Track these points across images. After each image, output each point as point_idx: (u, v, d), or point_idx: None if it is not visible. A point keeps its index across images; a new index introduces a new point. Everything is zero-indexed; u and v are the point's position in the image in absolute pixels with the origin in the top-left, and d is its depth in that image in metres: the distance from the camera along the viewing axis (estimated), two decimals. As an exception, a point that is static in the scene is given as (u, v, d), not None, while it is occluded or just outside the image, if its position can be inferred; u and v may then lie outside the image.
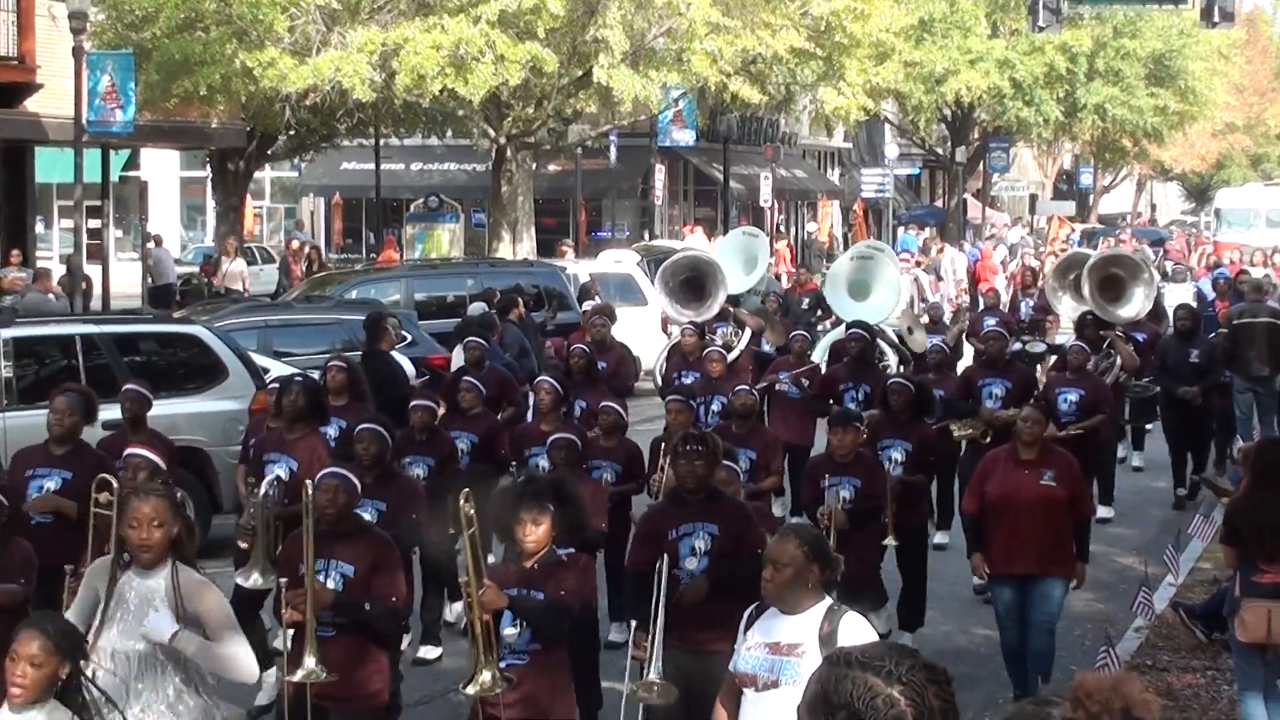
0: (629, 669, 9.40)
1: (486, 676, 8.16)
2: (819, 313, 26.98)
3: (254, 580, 10.71)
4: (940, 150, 64.89)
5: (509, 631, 8.38)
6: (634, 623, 9.25)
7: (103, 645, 7.69)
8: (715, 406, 15.75)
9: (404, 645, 11.60)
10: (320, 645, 8.73)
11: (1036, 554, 11.60)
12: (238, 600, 11.91)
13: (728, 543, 9.39)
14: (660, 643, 8.92)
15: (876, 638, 7.46)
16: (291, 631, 8.79)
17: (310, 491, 8.84)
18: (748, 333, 20.95)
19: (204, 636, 7.78)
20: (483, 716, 8.51)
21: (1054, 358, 19.59)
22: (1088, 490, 12.39)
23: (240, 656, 7.86)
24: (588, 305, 24.38)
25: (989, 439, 15.06)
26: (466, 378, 14.76)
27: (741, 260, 23.80)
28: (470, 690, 8.26)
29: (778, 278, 35.68)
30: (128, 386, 12.86)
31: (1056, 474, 11.70)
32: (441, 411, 14.49)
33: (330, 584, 8.78)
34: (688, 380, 17.17)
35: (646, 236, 49.13)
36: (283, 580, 8.75)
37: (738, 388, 14.58)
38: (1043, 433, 11.87)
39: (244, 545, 11.43)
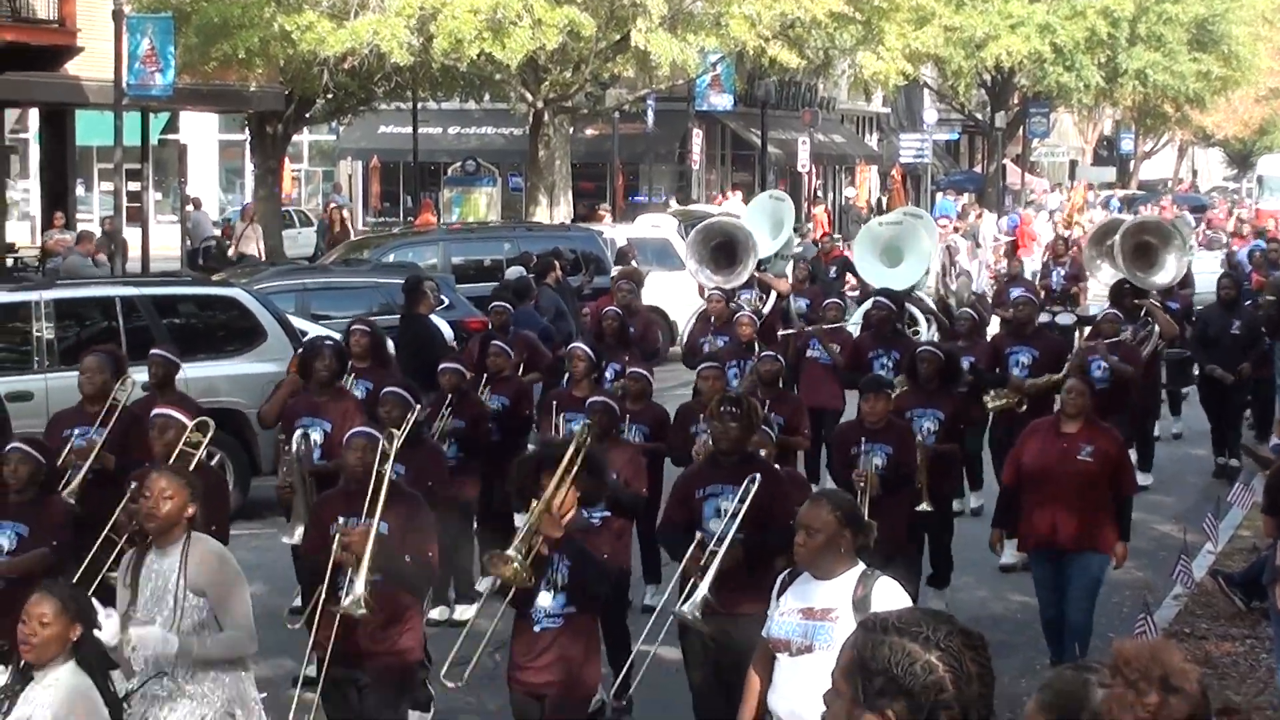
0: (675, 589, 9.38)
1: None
2: (846, 280, 26.88)
3: (298, 536, 10.79)
4: (979, 115, 64.59)
5: (543, 596, 8.40)
6: (699, 534, 9.28)
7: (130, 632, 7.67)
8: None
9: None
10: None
11: (1072, 529, 11.45)
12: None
13: (760, 507, 9.38)
14: (717, 566, 8.96)
15: (910, 603, 7.45)
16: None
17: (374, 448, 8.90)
18: (773, 296, 20.88)
19: (209, 607, 7.79)
20: (514, 678, 8.54)
21: (1087, 328, 19.51)
22: (1130, 467, 12.28)
23: (238, 641, 7.89)
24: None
25: (1024, 407, 15.02)
26: (495, 342, 14.77)
27: (768, 224, 23.75)
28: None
29: (816, 243, 35.55)
30: (154, 351, 12.90)
31: (1096, 449, 11.51)
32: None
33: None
34: (718, 344, 17.21)
35: (676, 202, 48.94)
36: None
37: (764, 354, 14.57)
38: (1086, 405, 11.71)
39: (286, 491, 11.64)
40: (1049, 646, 11.75)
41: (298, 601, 11.76)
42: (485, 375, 14.40)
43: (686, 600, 9.11)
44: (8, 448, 9.74)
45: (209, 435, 10.18)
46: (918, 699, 3.34)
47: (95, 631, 7.02)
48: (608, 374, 14.67)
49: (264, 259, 34.33)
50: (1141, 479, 16.48)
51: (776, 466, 10.24)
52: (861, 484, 11.40)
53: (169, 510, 7.57)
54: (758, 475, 9.30)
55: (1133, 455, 14.81)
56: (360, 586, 8.52)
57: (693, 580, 9.11)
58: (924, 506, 12.52)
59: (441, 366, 13.65)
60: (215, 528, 9.49)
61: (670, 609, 9.61)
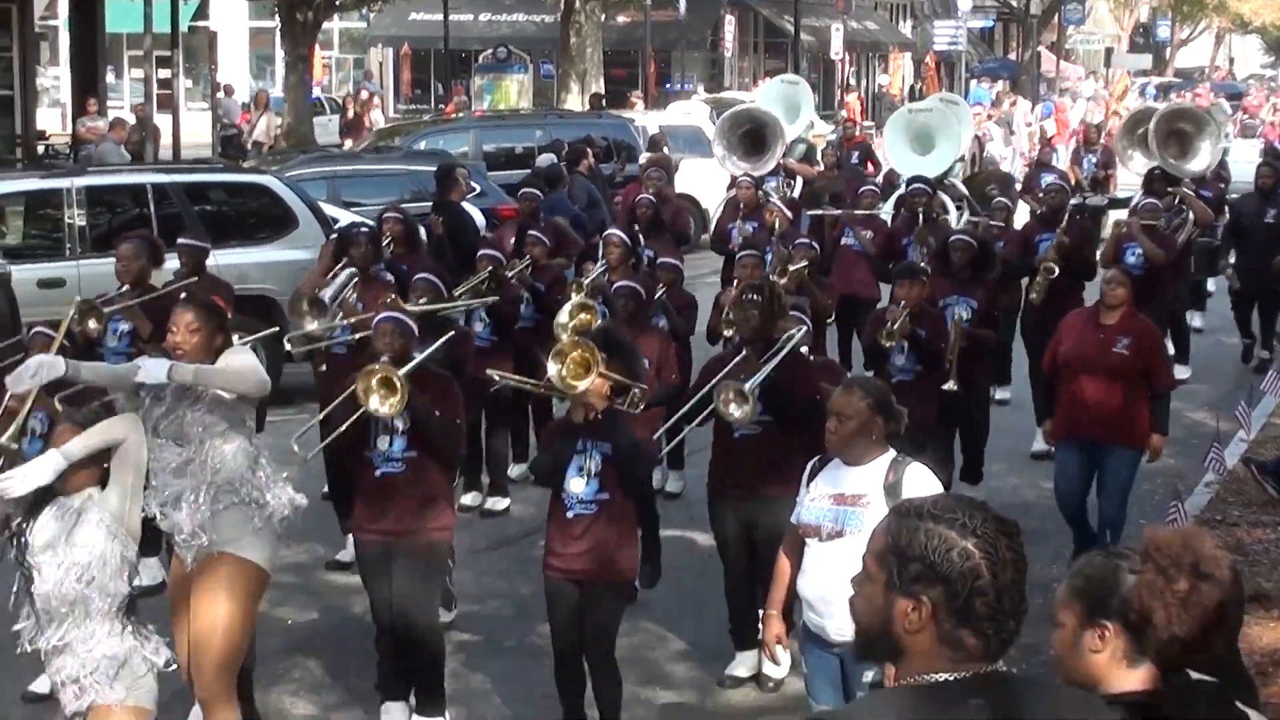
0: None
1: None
2: (869, 166, 26.70)
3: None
4: (1014, 2, 63.97)
5: (576, 482, 8.42)
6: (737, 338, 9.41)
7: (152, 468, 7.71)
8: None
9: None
10: (388, 481, 8.80)
11: (1106, 421, 11.39)
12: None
13: (778, 392, 9.40)
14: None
15: (941, 489, 7.46)
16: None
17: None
18: (799, 182, 20.80)
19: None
20: (550, 564, 8.57)
21: (1117, 213, 19.37)
22: (1166, 362, 12.21)
23: (243, 364, 7.85)
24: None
25: (1055, 273, 14.86)
26: (532, 231, 14.74)
27: (782, 109, 23.60)
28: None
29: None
30: (182, 240, 12.91)
31: (1132, 342, 11.42)
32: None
33: (398, 423, 8.79)
34: (748, 230, 17.17)
35: (708, 90, 48.62)
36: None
37: (797, 240, 14.54)
38: (1126, 296, 11.62)
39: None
40: (1072, 530, 11.73)
41: (342, 555, 11.82)
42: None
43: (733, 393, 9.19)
44: (33, 331, 9.78)
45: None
46: (954, 585, 3.35)
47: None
48: (643, 261, 14.67)
49: (271, 147, 34.14)
50: (1180, 371, 16.39)
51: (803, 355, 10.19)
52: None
53: (197, 342, 7.56)
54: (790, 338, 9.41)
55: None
56: (387, 406, 8.55)
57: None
58: (950, 386, 12.46)
59: (481, 252, 13.64)
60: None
61: (694, 498, 9.66)
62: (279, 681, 9.83)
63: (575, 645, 8.59)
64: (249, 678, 8.75)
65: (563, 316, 12.24)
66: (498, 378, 10.00)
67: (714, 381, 9.43)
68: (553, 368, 8.34)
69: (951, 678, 3.34)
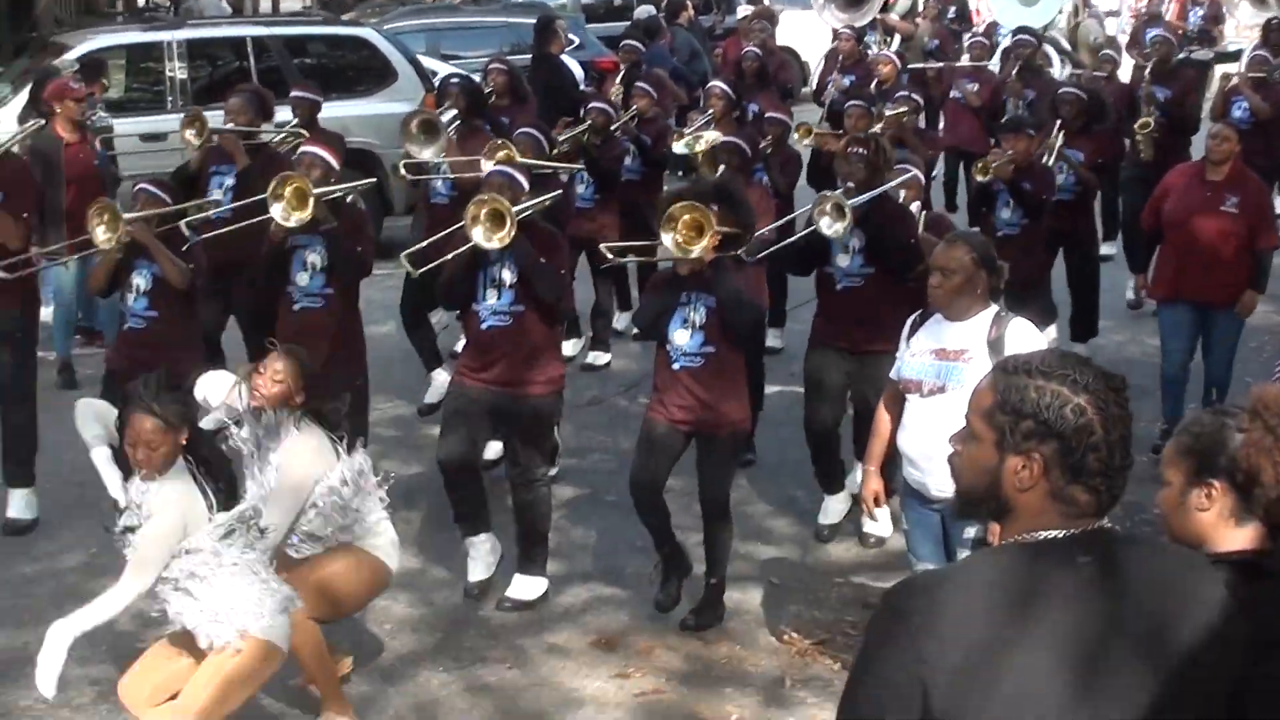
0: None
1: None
2: (962, 21, 26.28)
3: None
4: None
5: (680, 334, 8.40)
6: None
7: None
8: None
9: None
10: (495, 335, 8.78)
11: (1212, 281, 11.14)
12: (408, 301, 12.14)
13: (879, 241, 9.36)
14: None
15: (1045, 344, 7.41)
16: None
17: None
18: (897, 39, 20.56)
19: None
20: (658, 415, 8.57)
21: (1223, 67, 19.01)
22: (1272, 219, 11.97)
23: (295, 480, 7.53)
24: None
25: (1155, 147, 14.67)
26: (639, 84, 14.64)
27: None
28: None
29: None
30: (296, 92, 12.91)
31: (1241, 200, 11.15)
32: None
33: (505, 276, 8.78)
34: (844, 83, 17.02)
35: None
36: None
37: (899, 93, 14.39)
38: (1233, 151, 11.37)
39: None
40: (1163, 404, 11.48)
41: (429, 398, 11.90)
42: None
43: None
44: (136, 188, 9.85)
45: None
46: (1069, 442, 3.32)
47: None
48: (748, 114, 14.59)
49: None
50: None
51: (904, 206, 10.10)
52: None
53: (276, 392, 7.53)
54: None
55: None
56: (494, 241, 8.54)
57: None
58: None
59: (590, 105, 13.59)
60: (362, 254, 9.60)
61: (796, 354, 9.63)
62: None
63: (656, 473, 8.57)
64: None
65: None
66: (610, 255, 9.92)
67: (816, 200, 9.40)
68: (666, 237, 8.26)
69: (1060, 534, 3.32)
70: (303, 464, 7.43)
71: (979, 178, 11.84)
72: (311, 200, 9.11)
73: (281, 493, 7.40)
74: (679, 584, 8.80)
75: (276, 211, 9.13)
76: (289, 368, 7.47)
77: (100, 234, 9.36)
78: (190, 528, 6.55)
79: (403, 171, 12.09)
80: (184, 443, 6.65)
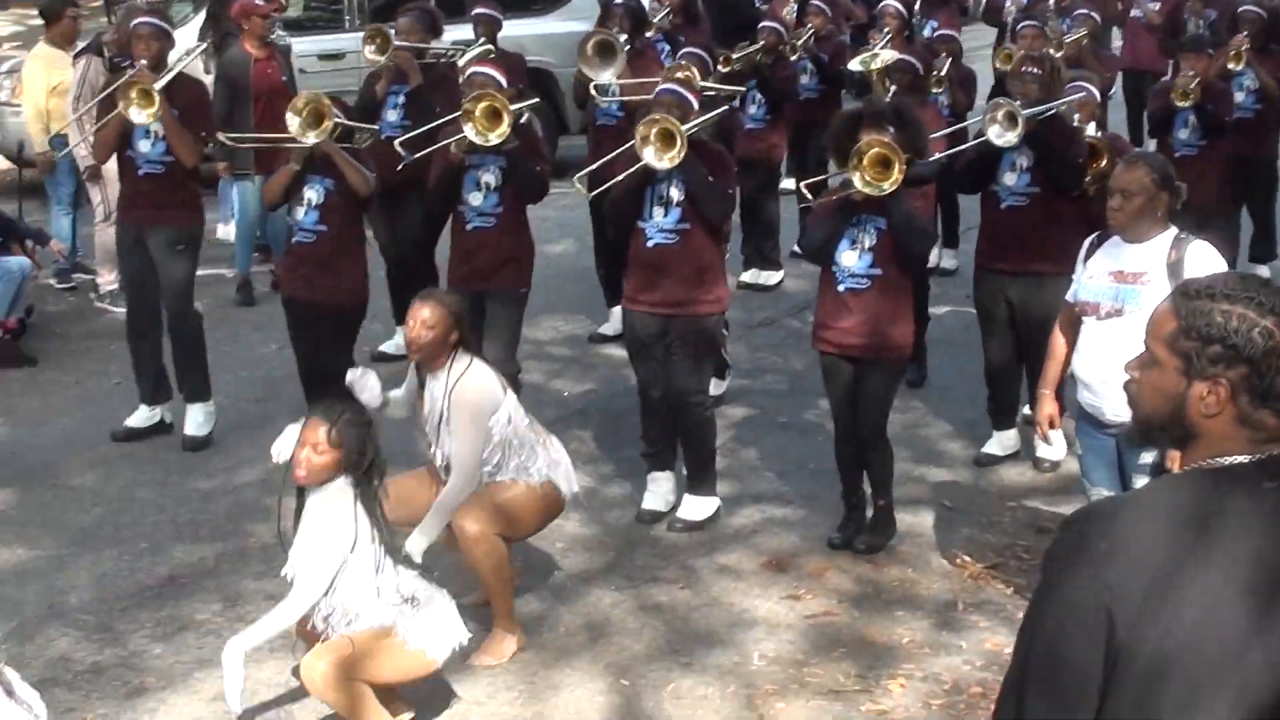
0: None
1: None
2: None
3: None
4: None
5: (849, 255, 8.34)
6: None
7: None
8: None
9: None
10: (661, 252, 8.73)
11: None
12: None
13: (1047, 160, 9.24)
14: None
15: (1225, 267, 7.27)
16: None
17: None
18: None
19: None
20: (820, 338, 8.53)
21: None
22: None
23: (453, 493, 7.61)
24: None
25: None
26: (814, 0, 14.49)
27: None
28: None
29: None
30: (478, 10, 12.95)
31: None
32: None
33: (673, 193, 8.75)
34: (1024, 1, 16.78)
35: None
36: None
37: (1077, 11, 14.18)
38: None
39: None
40: None
41: (605, 328, 11.96)
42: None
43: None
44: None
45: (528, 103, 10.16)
46: (1259, 366, 3.24)
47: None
48: (928, 31, 14.44)
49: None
50: None
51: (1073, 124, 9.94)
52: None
53: (430, 340, 7.54)
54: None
55: None
56: (665, 160, 8.50)
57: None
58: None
59: (763, 24, 13.52)
60: (541, 173, 9.61)
61: (969, 275, 9.51)
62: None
63: (851, 419, 8.58)
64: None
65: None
66: (809, 196, 9.75)
67: (987, 108, 9.29)
68: (854, 176, 8.16)
69: (1245, 460, 3.25)
70: (475, 390, 7.51)
71: (1179, 103, 11.56)
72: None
73: (462, 424, 7.48)
74: (856, 529, 8.78)
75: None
76: (436, 313, 7.54)
77: (308, 134, 9.40)
78: (357, 544, 6.57)
79: (594, 93, 11.90)
80: (347, 468, 6.61)
